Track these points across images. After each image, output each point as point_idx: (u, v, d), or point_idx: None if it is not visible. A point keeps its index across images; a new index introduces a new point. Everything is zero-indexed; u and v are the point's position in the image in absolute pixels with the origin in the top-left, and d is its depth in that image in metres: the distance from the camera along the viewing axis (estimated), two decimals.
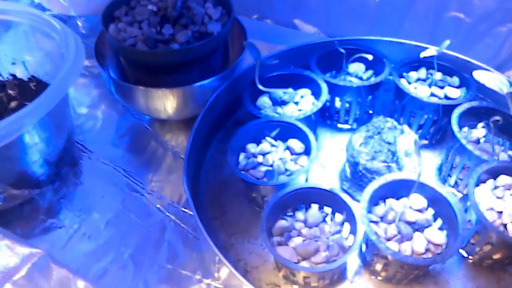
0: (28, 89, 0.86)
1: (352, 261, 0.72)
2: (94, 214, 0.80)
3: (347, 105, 0.87)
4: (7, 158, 0.72)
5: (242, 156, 0.76)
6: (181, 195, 0.82)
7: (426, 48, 0.85)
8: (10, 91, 0.83)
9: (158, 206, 0.81)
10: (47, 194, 0.82)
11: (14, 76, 0.89)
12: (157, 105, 0.84)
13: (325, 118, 0.91)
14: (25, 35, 0.87)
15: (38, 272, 0.57)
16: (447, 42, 0.80)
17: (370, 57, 0.85)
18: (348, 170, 0.78)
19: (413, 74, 0.87)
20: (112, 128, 0.95)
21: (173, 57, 0.81)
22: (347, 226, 0.69)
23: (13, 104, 0.83)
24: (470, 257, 0.71)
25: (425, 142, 0.86)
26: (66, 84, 0.72)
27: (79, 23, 1.11)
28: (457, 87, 0.85)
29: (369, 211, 0.67)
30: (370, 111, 0.92)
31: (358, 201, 0.76)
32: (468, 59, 0.88)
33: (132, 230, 0.77)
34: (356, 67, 0.89)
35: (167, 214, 0.79)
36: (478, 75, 0.74)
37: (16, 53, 0.89)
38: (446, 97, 0.84)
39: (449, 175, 0.80)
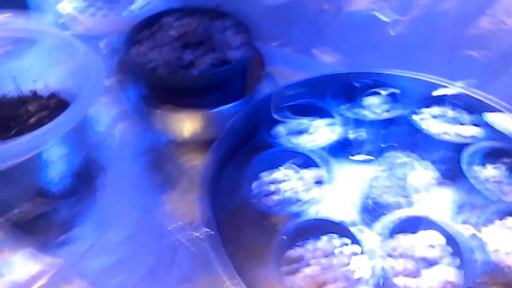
0: (48, 107, 0.87)
1: None
2: (108, 232, 0.80)
3: (360, 138, 0.89)
4: (25, 173, 0.73)
5: (255, 184, 0.78)
6: (194, 218, 0.82)
7: (441, 85, 0.86)
8: (29, 108, 0.85)
9: (170, 228, 0.81)
10: (62, 210, 0.82)
11: (34, 93, 0.91)
12: (174, 128, 0.86)
13: (338, 150, 0.92)
14: (48, 54, 0.89)
15: (60, 282, 0.58)
16: (462, 81, 0.81)
17: (385, 92, 0.87)
18: (359, 203, 0.79)
19: (426, 111, 0.89)
20: (129, 148, 0.96)
21: (192, 82, 0.83)
22: (356, 259, 0.69)
23: (32, 120, 0.84)
24: None
25: (436, 179, 0.87)
26: (88, 103, 0.74)
27: (101, 44, 1.13)
28: (470, 126, 0.86)
29: (380, 245, 0.68)
30: (383, 145, 0.92)
31: (368, 234, 0.76)
32: (482, 98, 0.89)
33: (145, 250, 0.78)
34: (371, 101, 0.91)
35: (179, 237, 0.80)
36: (491, 117, 0.75)
37: (38, 71, 0.90)
38: (458, 135, 0.85)
39: (458, 214, 0.80)
